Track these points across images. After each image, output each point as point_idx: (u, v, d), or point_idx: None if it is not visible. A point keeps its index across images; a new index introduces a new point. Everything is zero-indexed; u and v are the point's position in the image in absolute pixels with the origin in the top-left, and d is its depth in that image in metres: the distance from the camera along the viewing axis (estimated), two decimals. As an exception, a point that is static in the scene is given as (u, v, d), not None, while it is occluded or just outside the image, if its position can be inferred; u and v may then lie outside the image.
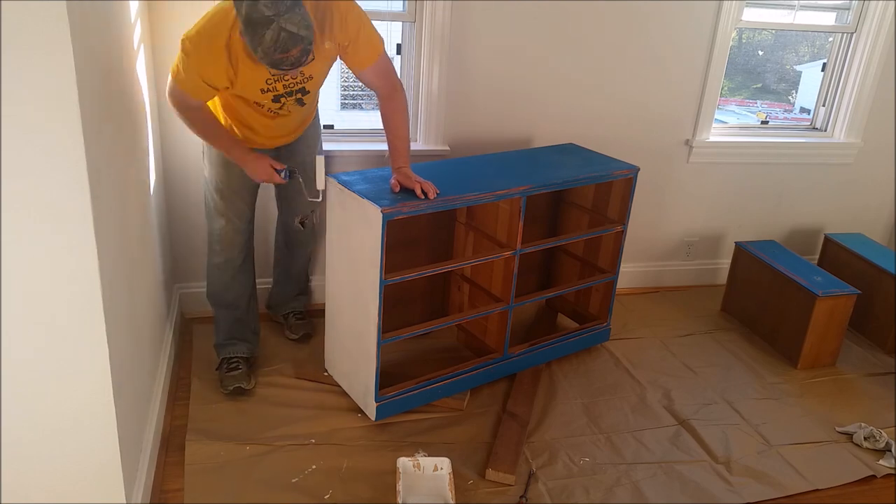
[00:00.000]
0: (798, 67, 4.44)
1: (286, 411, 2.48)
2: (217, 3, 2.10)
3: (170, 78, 2.16)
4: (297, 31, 1.87)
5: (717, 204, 3.65)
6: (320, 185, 2.34)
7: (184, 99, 2.19)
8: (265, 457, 2.26)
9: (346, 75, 5.11)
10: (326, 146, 2.99)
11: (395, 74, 2.40)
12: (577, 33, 3.09)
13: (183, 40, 2.06)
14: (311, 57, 1.99)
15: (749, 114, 4.38)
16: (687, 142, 3.45)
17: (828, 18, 3.61)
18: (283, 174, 2.34)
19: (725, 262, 3.71)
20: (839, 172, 3.74)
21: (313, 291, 3.15)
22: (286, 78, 2.20)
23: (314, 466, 2.24)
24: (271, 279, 3.01)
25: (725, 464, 2.41)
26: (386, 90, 2.37)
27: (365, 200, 2.22)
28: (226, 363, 2.58)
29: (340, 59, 2.30)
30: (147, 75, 2.50)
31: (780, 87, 4.55)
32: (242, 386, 2.53)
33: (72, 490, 1.65)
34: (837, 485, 2.37)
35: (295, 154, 2.56)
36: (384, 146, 2.99)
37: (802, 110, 4.15)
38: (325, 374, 2.68)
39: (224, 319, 2.63)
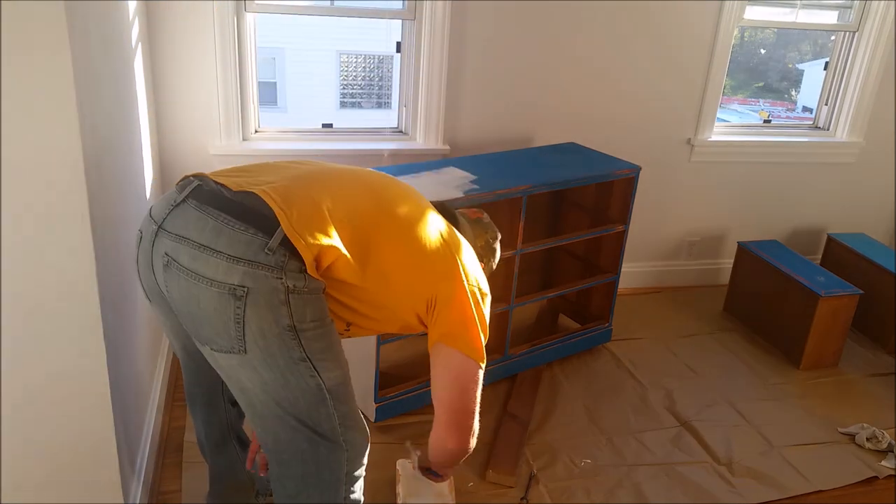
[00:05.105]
0: (800, 66, 4.43)
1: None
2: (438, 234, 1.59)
3: (468, 363, 1.62)
4: None
5: (719, 203, 3.64)
6: None
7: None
8: (264, 458, 2.25)
9: (345, 74, 5.08)
10: (325, 145, 2.99)
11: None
12: (579, 32, 3.07)
13: (474, 288, 1.58)
14: None
15: (752, 113, 4.37)
16: (689, 141, 3.44)
17: (830, 17, 3.60)
18: None
19: (728, 262, 3.69)
20: (842, 172, 3.73)
21: None
22: None
23: (314, 468, 2.23)
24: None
25: (727, 465, 2.40)
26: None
27: (365, 200, 2.20)
28: None
29: None
30: (144, 74, 2.49)
31: (782, 86, 4.55)
32: None
33: (70, 491, 1.65)
34: (839, 486, 2.35)
35: None
36: (383, 145, 3.00)
37: (805, 109, 4.14)
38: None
39: None
